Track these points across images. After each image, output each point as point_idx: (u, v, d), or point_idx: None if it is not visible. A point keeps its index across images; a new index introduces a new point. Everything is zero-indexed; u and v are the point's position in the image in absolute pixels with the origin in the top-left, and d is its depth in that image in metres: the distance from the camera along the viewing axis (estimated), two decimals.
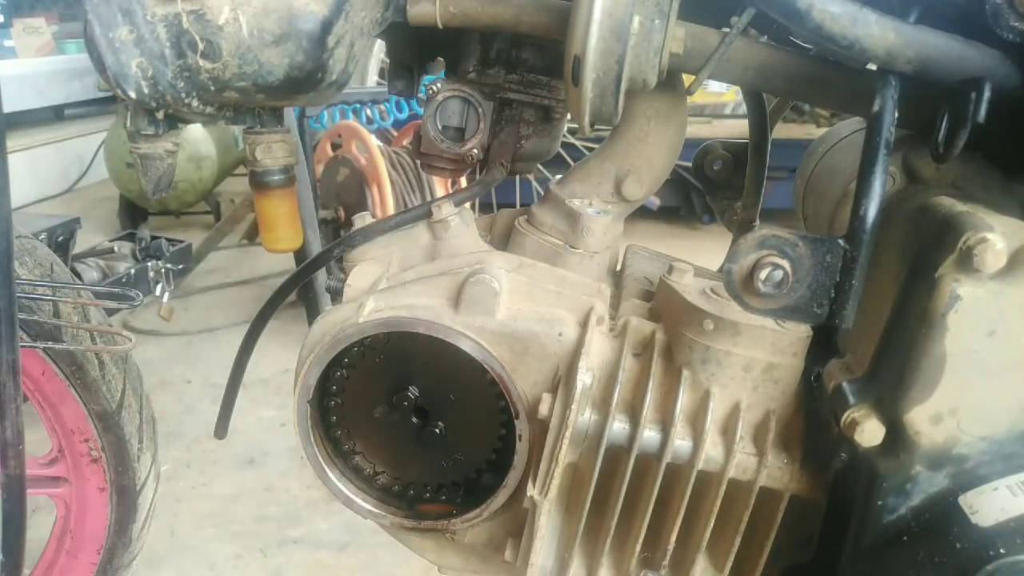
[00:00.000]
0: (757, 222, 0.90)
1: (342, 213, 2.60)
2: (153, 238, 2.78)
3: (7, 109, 0.67)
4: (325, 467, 0.70)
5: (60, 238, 2.25)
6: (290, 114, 2.25)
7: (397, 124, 2.97)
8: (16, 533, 0.78)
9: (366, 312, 0.63)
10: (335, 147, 2.72)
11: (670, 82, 0.65)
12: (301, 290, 2.33)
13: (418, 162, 0.77)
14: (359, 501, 0.71)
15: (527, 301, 0.64)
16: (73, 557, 1.21)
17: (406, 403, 0.67)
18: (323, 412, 0.70)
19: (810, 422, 0.60)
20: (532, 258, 0.68)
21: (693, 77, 0.61)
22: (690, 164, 0.92)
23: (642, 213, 0.89)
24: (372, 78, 3.21)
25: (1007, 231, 0.48)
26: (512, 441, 0.65)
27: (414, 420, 0.68)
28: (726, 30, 0.59)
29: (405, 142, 2.85)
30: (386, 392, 0.67)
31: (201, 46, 0.55)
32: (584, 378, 0.60)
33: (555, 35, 0.59)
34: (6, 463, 0.73)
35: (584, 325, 0.63)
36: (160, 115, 0.60)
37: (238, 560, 1.59)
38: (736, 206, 0.92)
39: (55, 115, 5.00)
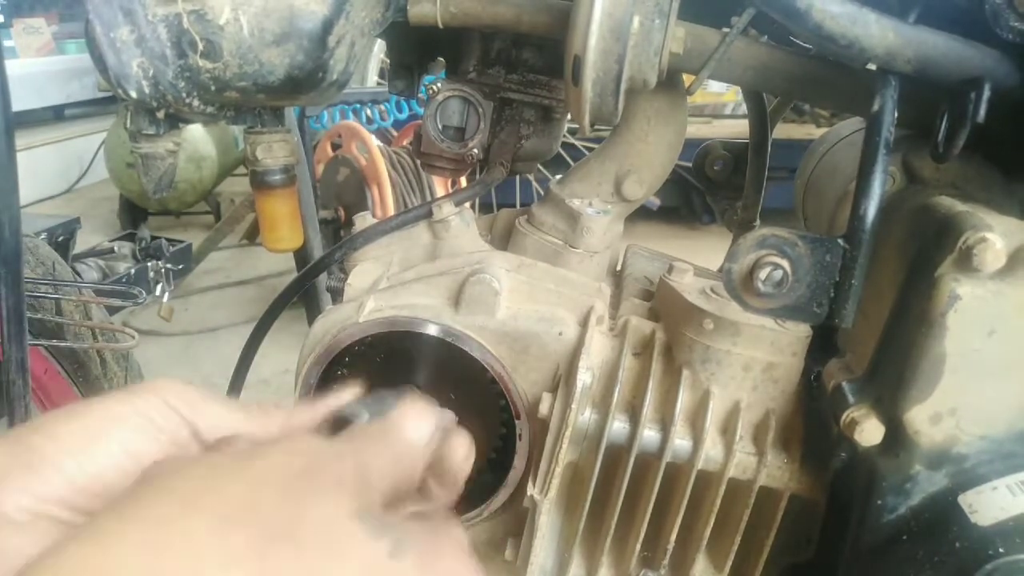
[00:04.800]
0: (757, 222, 0.90)
1: (342, 213, 2.60)
2: (153, 238, 2.78)
3: None
4: None
5: (60, 238, 2.25)
6: (290, 114, 2.26)
7: (397, 124, 2.97)
8: None
9: (367, 311, 0.63)
10: (335, 147, 2.72)
11: (670, 82, 0.65)
12: None
13: (418, 162, 0.77)
14: None
15: (527, 300, 0.64)
16: None
17: None
18: None
19: (810, 422, 0.60)
20: (532, 258, 0.68)
21: (693, 77, 0.61)
22: (690, 164, 0.92)
23: (642, 213, 0.89)
24: (372, 78, 3.21)
25: (1006, 231, 0.48)
26: (512, 441, 0.65)
27: None
28: (726, 30, 0.59)
29: (405, 142, 2.85)
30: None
31: (201, 46, 0.55)
32: (584, 377, 0.60)
33: (555, 35, 0.59)
34: None
35: (584, 324, 0.63)
36: (161, 115, 0.60)
37: None
38: (736, 206, 0.92)
39: (55, 115, 5.00)
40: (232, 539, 0.28)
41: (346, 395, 0.47)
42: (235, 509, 0.29)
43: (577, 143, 2.61)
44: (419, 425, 0.40)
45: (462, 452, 0.44)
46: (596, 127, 0.62)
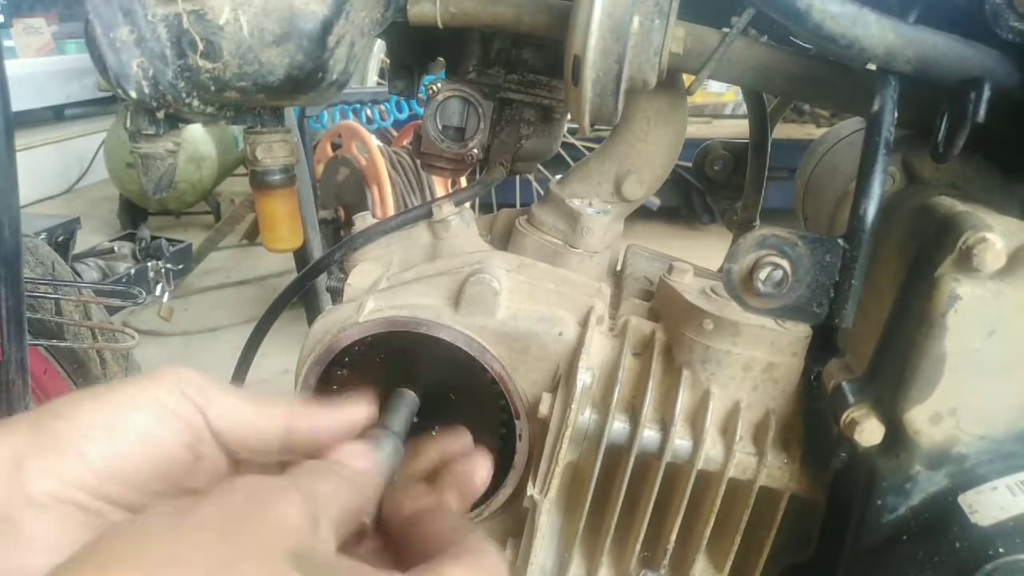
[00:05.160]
0: (757, 222, 0.90)
1: (342, 213, 2.60)
2: (153, 238, 2.78)
3: None
4: None
5: (60, 238, 2.25)
6: (290, 114, 2.26)
7: (397, 124, 2.97)
8: None
9: (366, 311, 0.63)
10: (335, 147, 2.72)
11: (670, 82, 0.65)
12: None
13: (418, 162, 0.77)
14: None
15: (527, 301, 0.64)
16: None
17: None
18: None
19: (810, 422, 0.60)
20: (532, 258, 0.68)
21: (693, 77, 0.61)
22: (690, 164, 0.92)
23: (642, 213, 0.89)
24: (372, 78, 3.21)
25: (1006, 231, 0.48)
26: (512, 441, 0.65)
27: (415, 420, 0.68)
28: (726, 30, 0.59)
29: (405, 142, 2.85)
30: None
31: (201, 46, 0.55)
32: (584, 377, 0.60)
33: (555, 35, 0.59)
34: None
35: (584, 324, 0.63)
36: (161, 115, 0.60)
37: None
38: (736, 206, 0.92)
39: (55, 115, 5.00)
40: None
41: (356, 406, 0.47)
42: (169, 564, 0.29)
43: (577, 143, 2.62)
44: (368, 458, 0.41)
45: (483, 474, 0.47)
46: (596, 127, 0.62)
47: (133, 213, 3.63)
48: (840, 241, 0.51)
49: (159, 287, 2.52)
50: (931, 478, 0.52)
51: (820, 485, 0.58)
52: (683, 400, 0.60)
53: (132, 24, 0.54)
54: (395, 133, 3.02)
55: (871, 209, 0.50)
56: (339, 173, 2.60)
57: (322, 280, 2.05)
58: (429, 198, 2.58)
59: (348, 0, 0.57)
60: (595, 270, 0.72)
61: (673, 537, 0.62)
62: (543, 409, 0.61)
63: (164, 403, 0.38)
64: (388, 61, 0.81)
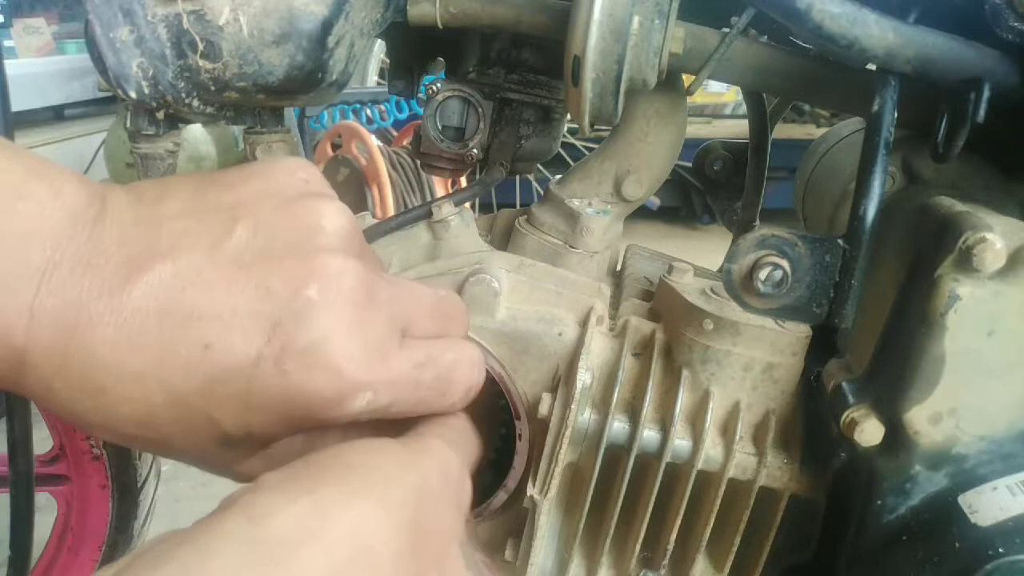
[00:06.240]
0: (757, 222, 0.90)
1: None
2: None
3: None
4: None
5: None
6: (290, 114, 2.26)
7: (397, 124, 2.97)
8: (24, 530, 0.78)
9: None
10: (335, 147, 2.72)
11: (670, 82, 0.65)
12: None
13: (418, 162, 0.77)
14: None
15: (527, 301, 0.64)
16: (74, 554, 1.21)
17: None
18: None
19: (810, 422, 0.60)
20: (532, 258, 0.68)
21: (693, 77, 0.61)
22: (690, 164, 0.92)
23: (642, 213, 0.90)
24: (372, 78, 3.21)
25: (1006, 231, 0.48)
26: (512, 441, 0.65)
27: None
28: (726, 30, 0.59)
29: (405, 142, 2.85)
30: None
31: (201, 46, 0.55)
32: (584, 378, 0.60)
33: (555, 35, 0.59)
34: (14, 460, 0.74)
35: (584, 325, 0.63)
36: (160, 115, 0.60)
37: None
38: (736, 206, 0.92)
39: (55, 115, 4.99)
40: (393, 536, 0.31)
41: None
42: (397, 509, 0.32)
43: (577, 143, 2.62)
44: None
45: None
46: (596, 127, 0.62)
47: None
48: (840, 241, 0.51)
49: None
50: (931, 478, 0.52)
51: (820, 485, 0.58)
52: (683, 400, 0.60)
53: (132, 24, 0.54)
54: (395, 133, 3.02)
55: (871, 209, 0.50)
56: (339, 173, 2.60)
57: None
58: (429, 198, 2.58)
59: (348, 0, 0.57)
60: (595, 270, 0.72)
61: (673, 537, 0.62)
62: (543, 409, 0.61)
63: None
64: (388, 61, 0.81)
